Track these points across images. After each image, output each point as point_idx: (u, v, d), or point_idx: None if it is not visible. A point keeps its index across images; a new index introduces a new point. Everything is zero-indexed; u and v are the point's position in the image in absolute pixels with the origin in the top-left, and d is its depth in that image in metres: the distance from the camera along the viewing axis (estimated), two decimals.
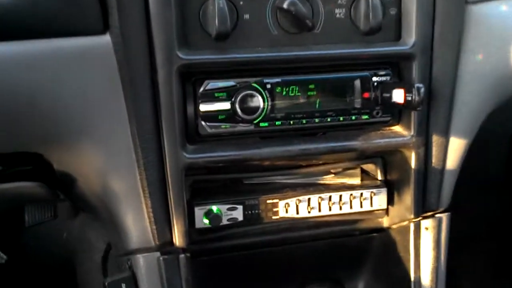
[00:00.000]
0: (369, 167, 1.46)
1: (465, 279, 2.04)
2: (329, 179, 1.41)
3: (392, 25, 1.23)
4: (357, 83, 1.24)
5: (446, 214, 1.37)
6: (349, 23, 1.20)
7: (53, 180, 1.30)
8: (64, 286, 2.05)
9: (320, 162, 1.39)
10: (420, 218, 1.35)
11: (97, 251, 1.75)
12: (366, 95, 1.25)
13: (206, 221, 1.26)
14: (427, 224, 1.36)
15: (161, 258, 1.20)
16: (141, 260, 1.20)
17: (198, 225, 1.27)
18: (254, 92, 1.18)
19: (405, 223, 1.37)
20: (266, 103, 1.19)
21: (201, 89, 1.16)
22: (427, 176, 1.32)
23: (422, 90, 1.13)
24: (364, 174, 1.46)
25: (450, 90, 1.27)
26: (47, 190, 1.29)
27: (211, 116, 1.18)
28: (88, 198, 1.29)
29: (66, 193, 1.40)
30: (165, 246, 1.20)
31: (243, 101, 1.18)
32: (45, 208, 1.90)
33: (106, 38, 1.08)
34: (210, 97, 1.17)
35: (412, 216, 1.33)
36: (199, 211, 1.27)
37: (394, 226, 1.42)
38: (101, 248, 1.73)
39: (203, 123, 1.18)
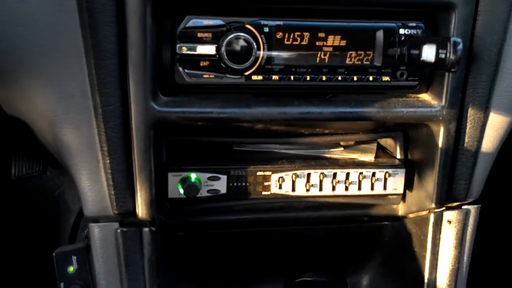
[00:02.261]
0: (387, 142, 1.21)
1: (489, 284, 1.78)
2: (337, 153, 1.17)
3: None
4: (380, 35, 0.99)
5: (475, 206, 1.13)
6: None
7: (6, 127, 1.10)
8: (47, 248, 1.91)
9: (328, 131, 1.15)
10: (443, 208, 1.11)
11: (72, 214, 1.56)
12: (390, 51, 1.00)
13: (181, 190, 1.05)
14: (451, 217, 1.12)
15: (119, 230, 0.99)
16: (96, 230, 1.00)
17: (171, 194, 1.06)
18: (247, 36, 0.95)
19: (424, 213, 1.13)
20: (261, 51, 0.96)
21: (181, 26, 0.93)
22: (456, 158, 1.08)
23: (460, 46, 0.87)
24: (381, 150, 1.21)
25: (496, 53, 1.02)
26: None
27: (192, 62, 0.95)
28: (47, 150, 1.09)
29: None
30: (126, 216, 0.99)
31: (232, 45, 0.95)
32: (33, 162, 1.76)
33: None
34: (192, 37, 0.94)
35: (433, 206, 1.09)
36: (173, 178, 1.05)
37: (410, 215, 1.18)
38: (76, 211, 1.54)
39: (180, 69, 0.95)
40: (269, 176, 1.09)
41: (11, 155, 1.65)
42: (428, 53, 0.93)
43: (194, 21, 0.94)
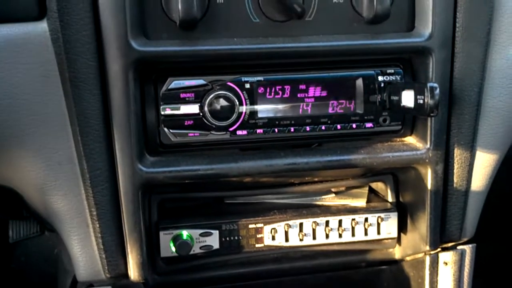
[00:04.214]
0: (378, 185, 1.21)
1: None
2: (328, 200, 1.17)
3: (403, 12, 1.00)
4: (359, 83, 1.01)
5: (470, 246, 1.13)
6: (350, 9, 0.98)
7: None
8: None
9: (317, 179, 1.15)
10: (438, 250, 1.11)
11: (69, 275, 1.55)
12: (371, 98, 1.02)
13: (174, 248, 1.05)
14: (447, 258, 1.11)
15: None
16: None
17: (164, 253, 1.05)
18: (228, 93, 0.96)
19: (420, 255, 1.13)
20: (244, 107, 0.97)
21: (164, 88, 0.95)
22: (447, 198, 1.08)
23: (437, 91, 0.89)
24: (372, 193, 1.22)
25: (477, 93, 1.03)
26: None
27: (176, 122, 0.96)
28: (39, 216, 1.09)
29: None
30: (119, 279, 0.99)
31: (215, 103, 0.96)
32: (30, 223, 1.77)
33: (42, 25, 0.88)
34: (175, 98, 0.96)
35: (428, 248, 1.09)
36: (165, 237, 1.05)
37: (407, 258, 1.18)
38: (73, 272, 1.53)
39: (166, 130, 0.96)
40: (262, 228, 1.09)
41: (7, 219, 1.65)
42: (407, 99, 0.95)
43: (176, 83, 0.95)
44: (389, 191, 1.17)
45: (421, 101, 0.90)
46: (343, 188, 1.20)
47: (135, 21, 0.90)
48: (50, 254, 1.83)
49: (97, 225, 0.96)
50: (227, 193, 1.14)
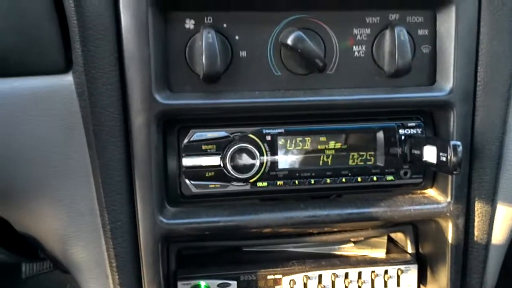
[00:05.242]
0: (398, 235, 1.20)
1: None
2: (347, 250, 1.16)
3: (425, 66, 1.00)
4: (380, 135, 1.01)
5: None
6: (371, 63, 0.99)
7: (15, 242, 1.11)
8: None
9: (336, 229, 1.15)
10: None
11: None
12: (391, 150, 1.02)
13: None
14: None
15: None
16: None
17: None
18: (250, 146, 0.97)
19: None
20: (264, 159, 0.98)
21: (186, 140, 0.96)
22: (467, 252, 1.07)
23: (460, 149, 0.88)
24: (392, 243, 1.20)
25: (498, 147, 1.03)
26: (8, 255, 1.10)
27: (197, 173, 0.97)
28: (56, 262, 1.09)
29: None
30: None
31: (236, 155, 0.97)
32: (43, 259, 1.77)
33: (68, 79, 0.89)
34: (196, 150, 0.96)
35: None
36: (183, 287, 1.04)
37: None
38: None
39: (187, 181, 0.97)
40: (280, 279, 1.08)
41: (23, 261, 1.65)
42: (429, 154, 0.94)
43: (198, 134, 0.96)
44: (408, 242, 1.16)
45: (444, 159, 0.90)
46: (362, 238, 1.19)
47: (160, 74, 0.91)
48: None
49: (117, 277, 0.95)
50: (245, 242, 1.13)
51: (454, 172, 0.89)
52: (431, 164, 0.94)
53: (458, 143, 0.89)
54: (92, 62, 0.88)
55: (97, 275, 0.96)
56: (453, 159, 0.88)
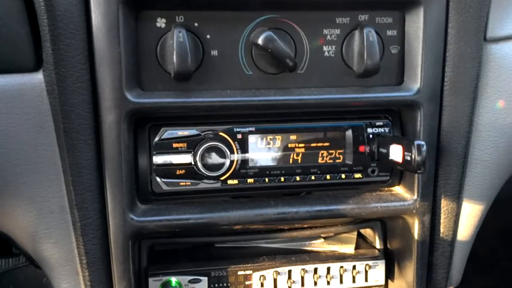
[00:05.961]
0: (367, 231, 1.23)
1: None
2: (318, 245, 1.18)
3: (393, 66, 1.02)
4: (349, 134, 1.03)
5: None
6: (340, 63, 1.00)
7: None
8: None
9: (307, 225, 1.17)
10: None
11: None
12: (360, 149, 1.04)
13: None
14: None
15: None
16: None
17: None
18: (220, 144, 0.98)
19: None
20: (235, 157, 0.99)
21: (157, 138, 0.97)
22: (433, 248, 1.10)
23: (424, 148, 0.91)
24: (361, 239, 1.23)
25: (464, 145, 1.05)
26: None
27: (168, 171, 0.97)
28: (30, 258, 1.09)
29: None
30: None
31: (207, 154, 0.98)
32: (18, 254, 1.76)
33: (38, 77, 0.89)
34: (167, 148, 0.97)
35: None
36: (154, 283, 1.05)
37: None
38: None
39: (158, 179, 0.98)
40: (250, 275, 1.09)
41: None
42: (396, 153, 0.96)
43: (169, 133, 0.97)
44: (377, 237, 1.19)
45: (409, 158, 0.92)
46: (332, 234, 1.21)
47: (131, 73, 0.91)
48: (39, 283, 1.82)
49: (87, 274, 0.96)
50: (216, 238, 1.15)
51: (418, 171, 0.92)
52: (397, 162, 0.96)
53: (423, 142, 0.91)
54: (62, 60, 0.88)
55: (68, 271, 0.96)
56: (417, 158, 0.90)
